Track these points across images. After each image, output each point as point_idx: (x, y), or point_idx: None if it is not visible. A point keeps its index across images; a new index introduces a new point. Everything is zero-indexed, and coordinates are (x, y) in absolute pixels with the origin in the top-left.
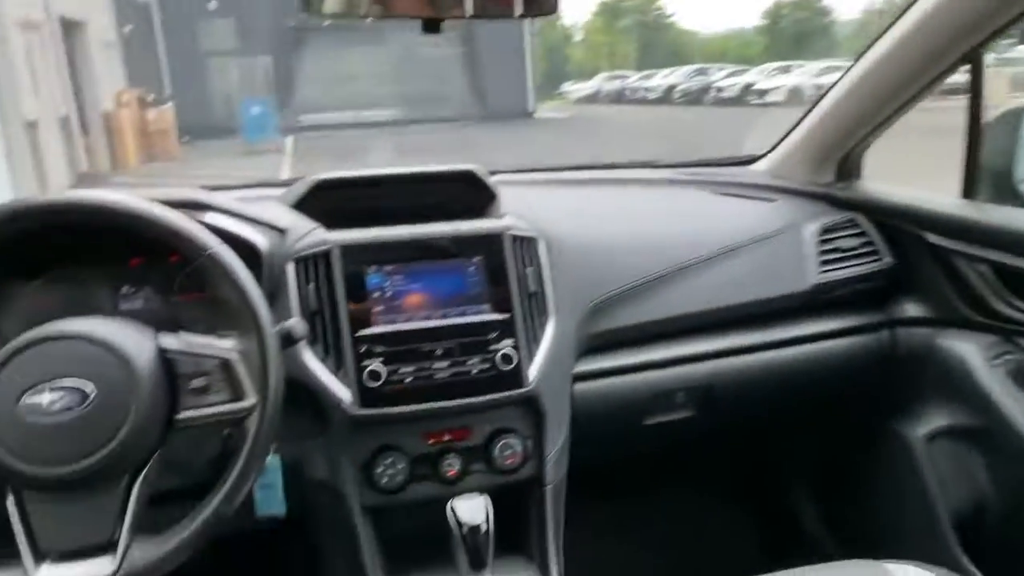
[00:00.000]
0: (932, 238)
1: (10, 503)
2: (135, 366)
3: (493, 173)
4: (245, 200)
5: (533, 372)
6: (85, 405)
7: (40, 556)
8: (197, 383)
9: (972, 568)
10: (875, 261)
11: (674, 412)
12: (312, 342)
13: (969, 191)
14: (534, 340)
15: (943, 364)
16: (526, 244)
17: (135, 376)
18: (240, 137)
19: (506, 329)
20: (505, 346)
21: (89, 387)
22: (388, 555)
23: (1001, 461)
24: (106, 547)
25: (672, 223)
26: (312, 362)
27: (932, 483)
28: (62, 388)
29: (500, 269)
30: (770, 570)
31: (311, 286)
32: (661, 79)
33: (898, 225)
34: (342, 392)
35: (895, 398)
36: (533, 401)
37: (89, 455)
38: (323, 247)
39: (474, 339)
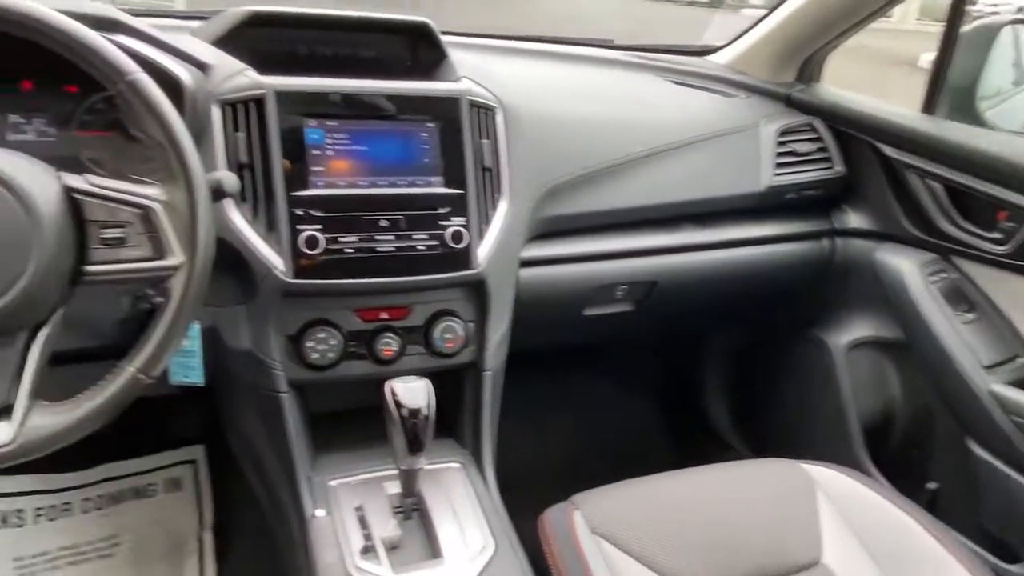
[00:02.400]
0: (887, 150)
1: None
2: (36, 206)
3: (443, 33)
4: (159, 28)
5: (483, 253)
6: None
7: None
8: (110, 233)
9: (875, 471)
10: (827, 168)
11: (614, 305)
12: (240, 200)
13: (930, 106)
14: (486, 220)
15: (878, 277)
16: (485, 113)
17: (37, 217)
18: None
19: (458, 205)
20: (456, 223)
21: None
22: (313, 432)
23: (916, 375)
24: (2, 411)
25: (633, 109)
26: (240, 222)
27: (847, 390)
28: None
29: (456, 138)
30: (681, 465)
31: (240, 135)
32: None
33: (854, 134)
34: (274, 258)
35: (825, 306)
36: (480, 284)
37: None
38: (256, 91)
39: (423, 212)
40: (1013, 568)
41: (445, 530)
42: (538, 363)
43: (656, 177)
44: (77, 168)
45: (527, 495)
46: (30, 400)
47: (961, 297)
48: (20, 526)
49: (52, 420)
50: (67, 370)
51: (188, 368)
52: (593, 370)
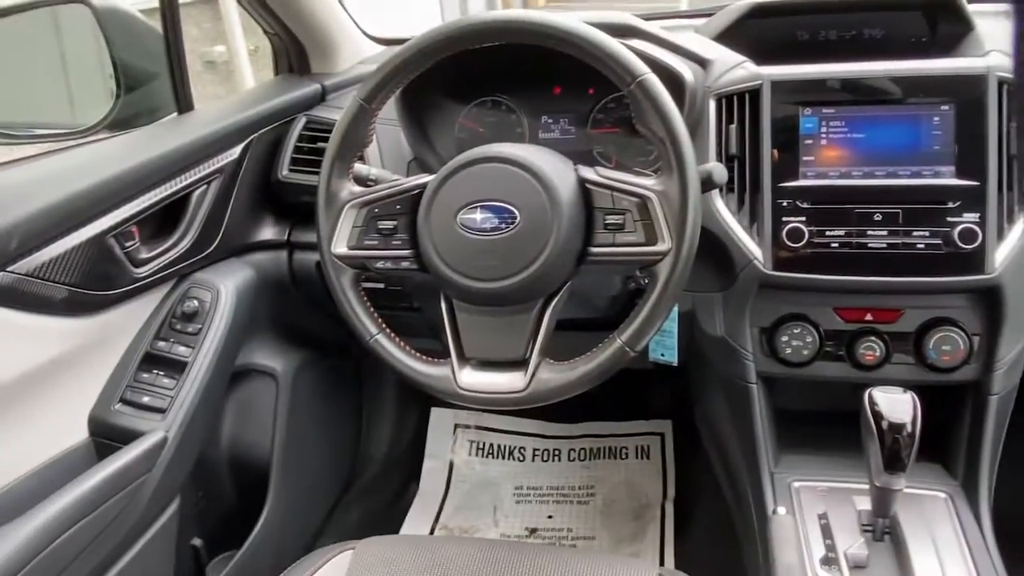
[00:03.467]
0: None
1: (443, 311)
2: (558, 194)
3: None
4: (667, 29)
5: (1000, 256)
6: (513, 227)
7: (464, 360)
8: (612, 220)
9: None
10: None
11: None
12: (727, 190)
13: None
14: (1008, 217)
15: None
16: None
17: (557, 204)
18: None
19: (973, 199)
20: (968, 220)
21: (516, 210)
22: (780, 427)
23: None
24: (519, 363)
25: None
26: (724, 212)
27: None
28: (492, 208)
29: (977, 122)
30: None
31: (733, 127)
32: None
33: None
34: (755, 249)
35: None
36: (994, 292)
37: (514, 275)
38: (752, 83)
39: (927, 207)
40: None
41: (922, 562)
42: None
43: None
44: (589, 161)
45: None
46: (540, 357)
47: None
48: (521, 461)
49: (556, 376)
50: (568, 336)
51: (665, 347)
52: None
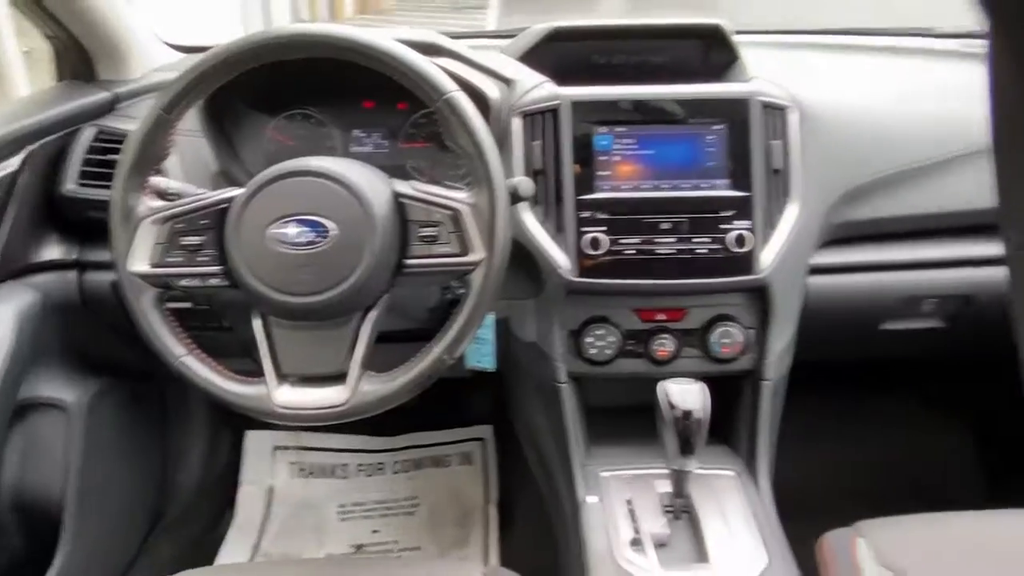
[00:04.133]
0: None
1: (257, 327)
2: (372, 208)
3: (737, 32)
4: (473, 48)
5: (767, 258)
6: (327, 241)
7: (282, 378)
8: (426, 232)
9: None
10: None
11: (918, 320)
12: (534, 203)
13: None
14: (771, 224)
15: None
16: (776, 114)
17: (372, 217)
18: None
19: (743, 208)
20: (739, 227)
21: (330, 224)
22: (589, 424)
23: None
24: (339, 377)
25: (950, 104)
26: (532, 224)
27: None
28: (306, 222)
29: (743, 140)
30: (991, 494)
31: (537, 143)
32: None
33: None
34: (560, 257)
35: None
36: (763, 290)
37: (330, 289)
38: (552, 102)
39: (705, 216)
40: None
41: (714, 535)
42: (831, 377)
43: (976, 178)
44: (403, 175)
45: (805, 515)
46: (360, 369)
47: None
48: (344, 478)
49: (377, 387)
50: (389, 348)
51: (482, 355)
52: (895, 391)
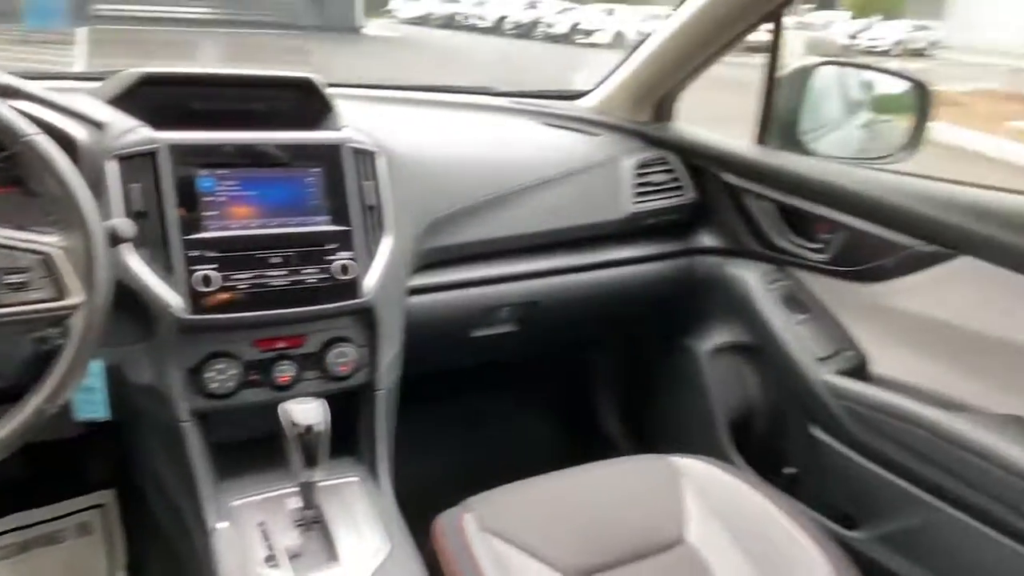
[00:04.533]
0: (728, 177)
1: None
2: None
3: (330, 85)
4: (54, 91)
5: (369, 284)
6: None
7: None
8: (13, 279)
9: (739, 461)
10: (680, 196)
11: (498, 326)
12: (139, 244)
13: (762, 138)
14: (370, 253)
15: (730, 289)
16: (366, 158)
17: None
18: (24, 22)
19: (344, 241)
20: (343, 257)
21: None
22: (218, 460)
23: (767, 372)
24: None
25: (505, 149)
26: (138, 265)
27: (712, 391)
28: None
29: (339, 181)
30: (571, 463)
31: (136, 186)
32: (493, 7)
33: (701, 165)
34: (171, 297)
35: (689, 317)
36: (369, 311)
37: None
38: (150, 146)
39: (312, 248)
40: (852, 534)
41: (343, 537)
42: (436, 384)
43: (531, 208)
44: None
45: (428, 507)
46: None
47: (796, 301)
48: None
49: None
50: None
51: (92, 404)
52: (490, 389)
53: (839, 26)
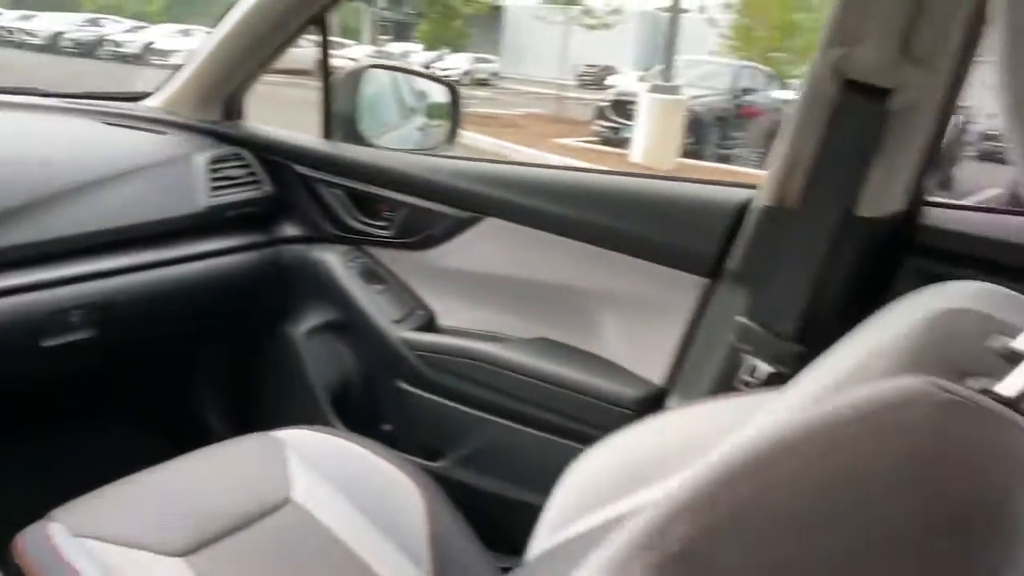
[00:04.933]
0: (300, 169)
1: None
2: None
3: None
4: None
5: None
6: None
7: None
8: None
9: (340, 424)
10: (258, 189)
11: (73, 332)
12: None
13: (327, 133)
14: None
15: (315, 273)
16: None
17: None
18: None
19: None
20: None
21: None
22: None
23: (358, 343)
24: None
25: (60, 147)
26: None
27: (311, 368)
28: None
29: None
30: None
31: None
32: (46, 23)
33: (276, 159)
34: None
35: (282, 305)
36: None
37: None
38: None
39: None
40: (438, 464)
41: None
42: (25, 414)
43: (95, 206)
44: None
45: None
46: None
47: (373, 275)
48: None
49: None
50: None
51: None
52: (77, 403)
53: (416, 56)
